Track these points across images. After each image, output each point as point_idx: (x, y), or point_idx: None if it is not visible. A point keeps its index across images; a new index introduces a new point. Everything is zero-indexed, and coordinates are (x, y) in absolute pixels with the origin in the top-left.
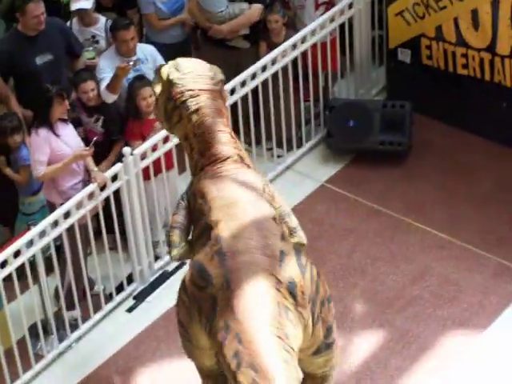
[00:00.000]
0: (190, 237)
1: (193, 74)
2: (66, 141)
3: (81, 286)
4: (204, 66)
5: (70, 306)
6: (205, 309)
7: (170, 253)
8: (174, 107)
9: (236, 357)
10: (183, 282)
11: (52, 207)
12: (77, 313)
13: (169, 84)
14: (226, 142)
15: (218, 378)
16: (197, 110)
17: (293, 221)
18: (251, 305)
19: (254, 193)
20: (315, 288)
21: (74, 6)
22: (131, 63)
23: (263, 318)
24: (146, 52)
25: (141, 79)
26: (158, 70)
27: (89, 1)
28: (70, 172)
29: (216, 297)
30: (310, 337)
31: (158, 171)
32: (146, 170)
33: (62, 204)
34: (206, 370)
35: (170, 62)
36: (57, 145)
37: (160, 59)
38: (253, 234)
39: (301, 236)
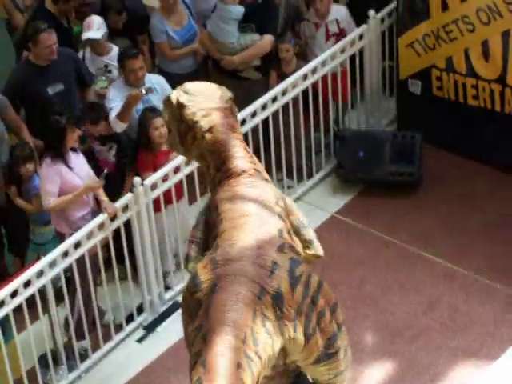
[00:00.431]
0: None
1: (202, 95)
2: (77, 171)
3: (91, 315)
4: (211, 86)
5: (80, 336)
6: (192, 313)
7: (185, 267)
8: (187, 129)
9: (197, 355)
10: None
11: (61, 237)
12: (87, 343)
13: (179, 107)
14: (241, 156)
15: None
16: (210, 128)
17: (309, 233)
18: (224, 308)
19: (264, 205)
20: (310, 300)
21: (84, 36)
22: (143, 91)
23: (231, 321)
24: (155, 82)
25: (152, 110)
26: (166, 99)
27: (99, 30)
28: (79, 202)
29: (201, 301)
30: (302, 349)
31: (168, 202)
32: (156, 202)
33: (71, 234)
34: None
35: (178, 88)
36: (68, 175)
37: (169, 89)
38: (248, 243)
39: (317, 248)
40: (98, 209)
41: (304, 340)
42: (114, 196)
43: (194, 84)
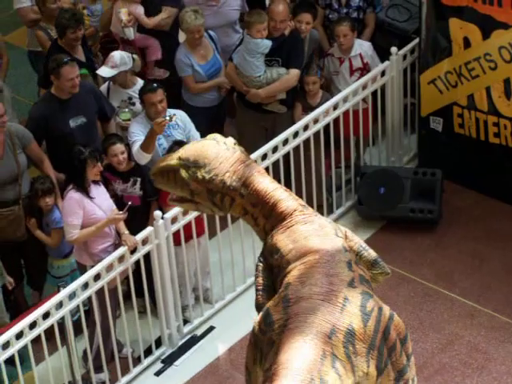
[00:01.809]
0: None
1: (214, 159)
2: (99, 203)
3: (109, 348)
4: (208, 143)
5: (98, 369)
6: (265, 352)
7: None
8: (221, 197)
9: None
10: (253, 326)
11: (82, 269)
12: (105, 375)
13: (202, 182)
14: (285, 197)
15: None
16: (243, 184)
17: (371, 254)
18: (293, 350)
19: (326, 237)
20: (382, 335)
21: (98, 71)
22: (167, 118)
23: (298, 363)
24: (177, 117)
25: (180, 144)
26: (180, 176)
27: (114, 69)
28: (101, 235)
29: (274, 341)
30: (375, 383)
31: (188, 237)
32: (177, 236)
33: (92, 266)
34: None
35: (182, 167)
36: (90, 208)
37: (190, 124)
38: (319, 280)
39: (383, 266)
40: (119, 241)
41: (376, 374)
42: (140, 230)
43: (193, 153)
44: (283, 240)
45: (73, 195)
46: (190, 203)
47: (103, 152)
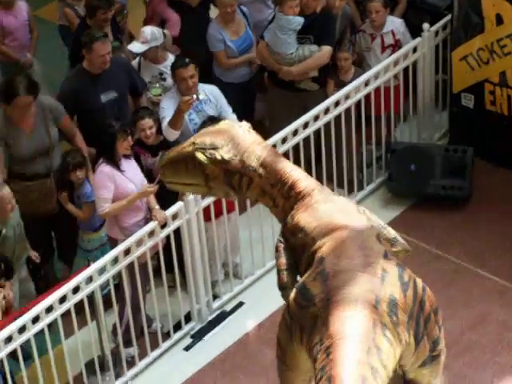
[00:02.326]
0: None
1: (230, 141)
2: (130, 177)
3: (139, 323)
4: (226, 127)
5: (128, 343)
6: (306, 328)
7: (283, 296)
8: (240, 177)
9: (322, 370)
10: (287, 303)
11: (113, 243)
12: (134, 350)
13: (221, 165)
14: (303, 176)
15: None
16: (261, 164)
17: (390, 232)
18: (345, 321)
19: (351, 214)
20: (419, 305)
21: (129, 46)
22: (195, 97)
23: (354, 333)
24: (208, 92)
25: (213, 119)
26: (198, 164)
27: (144, 44)
28: (133, 209)
29: (317, 315)
30: (413, 353)
31: (219, 213)
32: (207, 212)
33: (123, 241)
34: None
35: (198, 150)
36: (121, 181)
37: (222, 99)
38: (355, 253)
39: (403, 244)
40: (150, 216)
41: (415, 345)
42: (170, 204)
43: (211, 135)
44: (305, 218)
45: (103, 169)
46: (203, 188)
47: (133, 126)
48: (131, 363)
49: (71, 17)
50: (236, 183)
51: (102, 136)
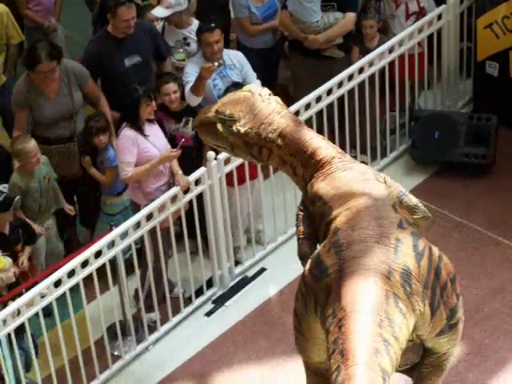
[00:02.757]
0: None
1: (249, 112)
2: (154, 141)
3: (161, 288)
4: (245, 97)
5: (149, 308)
6: (320, 299)
7: (302, 265)
8: (259, 149)
9: (334, 343)
10: (303, 273)
11: (136, 208)
12: (156, 315)
13: (238, 136)
14: (323, 145)
15: (323, 375)
16: (279, 135)
17: (411, 199)
18: (357, 292)
19: (369, 182)
20: (434, 274)
21: (153, 11)
22: (216, 64)
23: (366, 305)
24: (233, 57)
25: (237, 85)
26: (220, 135)
27: (168, 9)
28: (156, 173)
29: (331, 286)
30: (429, 323)
31: (242, 180)
32: (230, 177)
33: (146, 205)
34: (313, 367)
35: (219, 122)
36: (144, 146)
37: (247, 65)
38: (369, 223)
39: (424, 211)
40: (173, 181)
41: (431, 314)
42: (193, 170)
43: (231, 105)
44: (324, 187)
45: (127, 133)
46: (230, 152)
47: (157, 90)
48: (153, 328)
49: None
50: (256, 154)
51: (126, 100)
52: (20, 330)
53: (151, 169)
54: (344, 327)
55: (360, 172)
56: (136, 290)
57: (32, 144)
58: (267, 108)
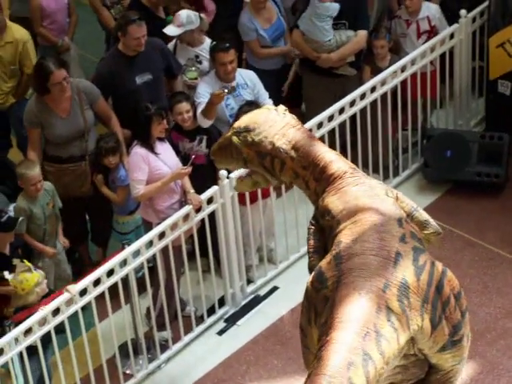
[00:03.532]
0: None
1: (263, 124)
2: (164, 160)
3: (172, 306)
4: (262, 111)
5: (161, 327)
6: (319, 310)
7: None
8: (271, 160)
9: (318, 350)
10: (306, 286)
11: (148, 226)
12: (167, 334)
13: (252, 147)
14: (335, 159)
15: None
16: (293, 147)
17: (423, 214)
18: (348, 304)
19: (377, 197)
20: (435, 289)
21: (164, 29)
22: (226, 91)
23: (353, 316)
24: (246, 77)
25: (250, 104)
26: (233, 146)
27: (180, 28)
28: (167, 191)
29: (328, 297)
30: (430, 337)
31: (254, 198)
32: (242, 195)
33: (158, 223)
34: None
35: (233, 133)
36: (155, 164)
37: (259, 84)
38: (370, 236)
39: (434, 226)
40: (185, 199)
41: (431, 329)
42: (205, 188)
43: (247, 120)
44: (334, 202)
45: (138, 151)
46: (247, 180)
47: (169, 109)
48: (164, 347)
49: (97, 5)
50: (269, 165)
51: (138, 118)
52: (32, 349)
53: (163, 186)
54: (328, 336)
55: (370, 187)
56: (148, 309)
57: (35, 171)
58: (282, 121)
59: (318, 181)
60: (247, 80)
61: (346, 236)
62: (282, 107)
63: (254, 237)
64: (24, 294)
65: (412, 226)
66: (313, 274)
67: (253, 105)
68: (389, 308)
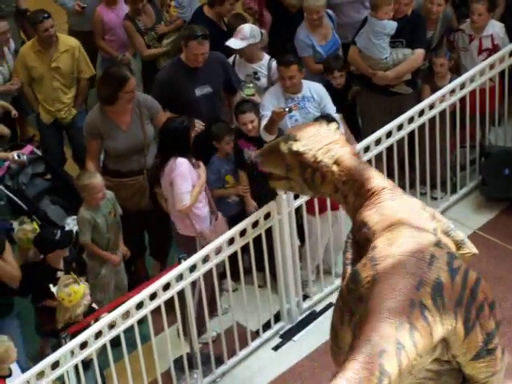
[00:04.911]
0: None
1: (312, 136)
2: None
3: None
4: (314, 125)
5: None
6: (354, 309)
7: None
8: (312, 172)
9: (352, 341)
10: (340, 288)
11: (190, 242)
12: (223, 348)
13: (296, 156)
14: (375, 175)
15: None
16: (336, 161)
17: (459, 234)
18: (383, 298)
19: (413, 211)
20: (470, 292)
21: (227, 42)
22: (287, 109)
23: (386, 309)
24: (313, 90)
25: (323, 117)
26: (278, 153)
27: (244, 41)
28: (199, 200)
29: (363, 296)
30: (463, 342)
31: (323, 210)
32: (311, 205)
33: (200, 233)
34: None
35: (282, 141)
36: (192, 174)
37: (327, 98)
38: (405, 241)
39: (470, 246)
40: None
41: (464, 332)
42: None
43: (298, 129)
44: (370, 215)
45: (182, 161)
46: (284, 181)
47: (235, 119)
48: (220, 361)
49: (130, 30)
50: (309, 177)
51: (207, 131)
52: (87, 362)
53: (200, 190)
54: (362, 327)
55: (407, 203)
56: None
57: (98, 179)
58: (330, 137)
59: (356, 196)
60: (314, 93)
61: (381, 241)
62: (334, 124)
63: (319, 249)
64: (71, 306)
65: (447, 240)
66: (347, 276)
67: (328, 117)
68: (423, 304)
